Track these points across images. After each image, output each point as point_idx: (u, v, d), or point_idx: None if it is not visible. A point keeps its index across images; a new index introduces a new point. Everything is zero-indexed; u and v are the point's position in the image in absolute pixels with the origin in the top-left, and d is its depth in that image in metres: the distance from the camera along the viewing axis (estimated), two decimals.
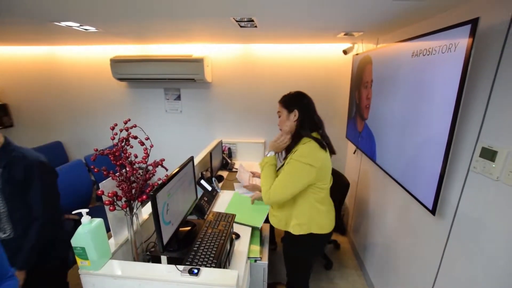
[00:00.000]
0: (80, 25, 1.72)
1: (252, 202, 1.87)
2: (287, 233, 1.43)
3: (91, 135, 3.15)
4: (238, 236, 1.50)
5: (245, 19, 1.55)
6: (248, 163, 2.81)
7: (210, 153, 2.15)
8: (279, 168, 1.43)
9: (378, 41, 2.13)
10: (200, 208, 1.68)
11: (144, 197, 1.02)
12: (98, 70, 2.89)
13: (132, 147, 1.04)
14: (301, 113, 1.33)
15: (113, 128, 0.99)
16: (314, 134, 1.32)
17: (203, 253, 1.09)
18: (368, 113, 2.01)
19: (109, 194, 0.94)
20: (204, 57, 2.53)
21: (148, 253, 1.17)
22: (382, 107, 1.78)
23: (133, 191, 1.02)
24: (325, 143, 1.32)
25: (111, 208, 0.96)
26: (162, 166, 1.11)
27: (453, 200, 1.15)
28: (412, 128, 1.39)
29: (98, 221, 0.95)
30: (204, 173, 2.22)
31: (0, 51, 3.01)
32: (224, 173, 2.53)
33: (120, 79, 2.71)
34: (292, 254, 1.53)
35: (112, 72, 2.64)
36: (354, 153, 2.59)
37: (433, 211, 1.21)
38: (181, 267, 0.95)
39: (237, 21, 1.58)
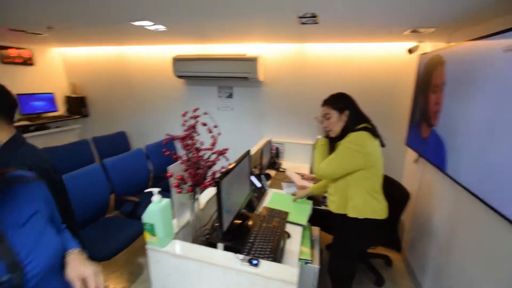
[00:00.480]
0: (153, 24, 1.88)
1: (294, 200, 1.81)
2: (342, 219, 1.47)
3: (150, 127, 3.44)
4: (289, 235, 1.47)
5: (308, 15, 1.52)
6: (295, 164, 2.76)
7: (262, 150, 2.15)
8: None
9: (450, 39, 1.90)
10: (250, 202, 1.68)
11: (207, 183, 1.05)
12: (160, 68, 3.15)
13: (199, 134, 1.09)
14: (351, 111, 1.40)
15: (184, 115, 1.04)
16: (364, 125, 1.39)
17: (259, 246, 1.08)
18: (437, 119, 1.80)
19: (178, 177, 0.99)
20: (258, 56, 2.57)
21: (205, 239, 1.21)
22: (458, 112, 1.55)
23: (198, 177, 1.05)
24: (378, 133, 1.41)
25: (178, 190, 1.01)
26: (224, 156, 1.13)
27: None
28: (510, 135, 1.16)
29: (167, 201, 1.00)
30: (254, 169, 2.24)
31: (82, 51, 3.48)
32: (272, 172, 2.51)
33: (180, 77, 2.90)
34: (344, 241, 1.55)
35: (174, 69, 2.84)
36: (415, 161, 2.35)
37: None
38: (240, 256, 0.95)
39: (299, 17, 1.56)
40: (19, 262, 0.60)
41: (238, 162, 1.19)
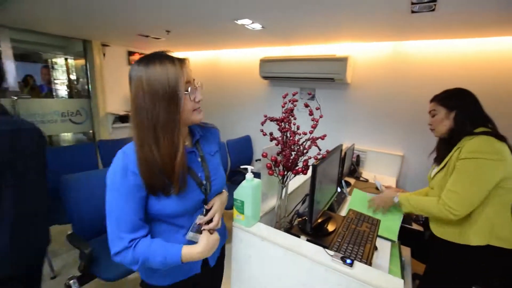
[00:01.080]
0: (252, 23, 2.00)
1: (370, 206, 1.47)
2: (445, 245, 1.21)
3: (234, 124, 3.65)
4: (376, 248, 1.28)
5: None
6: (378, 175, 2.46)
7: (345, 153, 2.00)
8: (438, 171, 1.28)
9: None
10: (331, 205, 1.56)
11: (300, 169, 1.00)
12: (248, 69, 3.34)
13: (295, 118, 1.06)
14: (464, 110, 1.20)
15: (284, 97, 1.04)
16: (482, 129, 1.15)
17: (349, 247, 0.97)
18: None
19: (272, 158, 0.98)
20: (348, 56, 2.43)
21: (285, 230, 1.16)
22: None
23: (291, 161, 1.02)
24: (502, 135, 1.13)
25: (270, 172, 0.99)
26: (317, 146, 1.07)
27: None
28: None
29: (258, 181, 1.00)
30: None
31: (184, 55, 4.02)
32: (351, 180, 2.31)
33: (265, 77, 3.01)
34: (448, 278, 1.25)
35: (260, 71, 2.97)
36: None
37: None
38: (331, 252, 0.87)
39: (413, 3, 1.38)
40: (210, 177, 0.87)
41: (332, 152, 1.11)
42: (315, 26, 2.02)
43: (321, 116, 0.95)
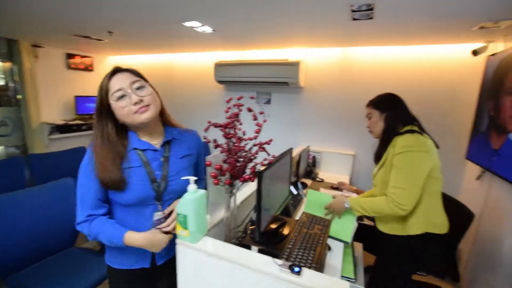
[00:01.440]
0: (201, 25, 1.93)
1: (327, 214, 1.47)
2: (391, 237, 1.32)
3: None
4: (329, 248, 1.30)
5: (364, 7, 1.41)
6: (332, 175, 2.56)
7: (299, 157, 2.03)
8: (378, 169, 1.38)
9: None
10: (286, 208, 1.55)
11: (247, 176, 0.96)
12: (203, 74, 3.25)
13: (241, 123, 1.02)
14: (393, 111, 1.32)
15: (228, 101, 0.99)
16: (409, 127, 1.27)
17: (300, 253, 0.95)
18: None
19: (216, 167, 0.92)
20: (300, 60, 2.50)
21: (238, 241, 1.11)
22: None
23: (237, 169, 0.97)
24: (426, 132, 1.28)
25: (215, 181, 0.93)
26: (266, 151, 1.04)
27: None
28: None
29: (203, 192, 0.93)
30: None
31: (134, 59, 3.76)
32: (308, 181, 2.36)
33: (220, 82, 2.95)
34: (392, 263, 1.35)
35: (215, 75, 2.90)
36: (478, 178, 2.01)
37: None
38: (279, 261, 0.83)
39: (353, 10, 1.46)
40: (167, 177, 0.94)
41: (281, 157, 1.09)
42: (266, 31, 2.03)
43: (264, 121, 0.93)
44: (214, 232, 1.09)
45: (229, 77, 2.82)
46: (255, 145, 0.99)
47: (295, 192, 1.83)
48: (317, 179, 2.44)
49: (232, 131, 0.98)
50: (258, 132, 0.96)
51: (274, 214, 1.11)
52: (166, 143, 0.96)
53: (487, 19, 1.52)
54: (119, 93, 0.84)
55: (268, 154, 1.06)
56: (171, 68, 3.48)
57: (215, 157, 1.02)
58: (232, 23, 1.87)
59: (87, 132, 3.44)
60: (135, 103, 0.84)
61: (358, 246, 1.65)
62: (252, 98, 0.98)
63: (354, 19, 1.59)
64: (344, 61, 2.54)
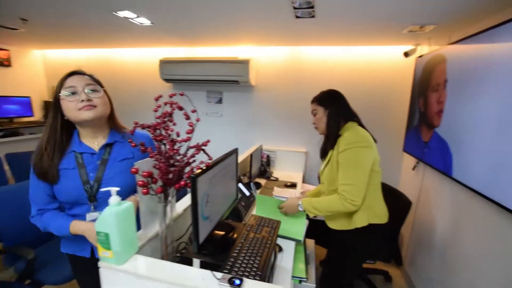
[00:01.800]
0: (137, 17, 1.74)
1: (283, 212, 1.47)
2: (338, 235, 1.35)
3: None
4: (280, 249, 1.26)
5: (304, 5, 1.40)
6: (287, 173, 2.58)
7: (251, 156, 1.97)
8: (325, 166, 1.38)
9: (451, 39, 1.83)
10: (237, 211, 1.48)
11: (183, 183, 0.85)
12: (147, 72, 2.99)
13: (175, 124, 0.91)
14: (336, 108, 1.34)
15: (157, 99, 0.87)
16: (350, 123, 1.32)
17: (245, 261, 0.88)
18: (440, 119, 1.69)
19: (144, 174, 0.80)
20: (250, 58, 2.45)
21: (179, 254, 1.00)
22: (468, 110, 1.42)
23: (171, 175, 0.86)
24: (365, 128, 1.33)
25: (144, 190, 0.81)
26: (206, 154, 0.95)
27: None
28: None
29: (128, 204, 0.80)
30: (242, 177, 2.05)
31: (66, 54, 3.30)
32: (262, 181, 2.32)
33: (167, 80, 2.74)
34: (342, 255, 1.38)
35: (160, 73, 2.68)
36: (413, 169, 2.21)
37: None
38: (219, 275, 0.75)
39: (295, 8, 1.45)
40: (101, 179, 0.98)
41: (222, 159, 1.00)
42: (210, 27, 1.93)
43: (197, 120, 0.83)
44: (150, 247, 0.96)
45: (176, 75, 2.64)
46: (191, 147, 0.89)
47: (247, 193, 1.77)
48: (272, 178, 2.42)
49: (163, 133, 0.86)
50: (190, 132, 0.86)
51: (219, 220, 1.03)
52: (107, 146, 1.01)
53: (414, 23, 1.65)
54: (70, 89, 0.92)
55: (209, 157, 0.97)
56: (111, 65, 3.14)
57: (146, 162, 0.89)
58: (170, 16, 1.72)
59: (7, 139, 2.90)
60: (82, 101, 0.91)
61: (311, 243, 1.65)
62: (181, 95, 0.87)
63: (297, 17, 1.59)
64: (292, 60, 2.57)
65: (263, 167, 2.49)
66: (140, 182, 0.80)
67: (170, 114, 0.89)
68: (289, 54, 2.57)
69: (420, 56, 2.09)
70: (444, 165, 1.60)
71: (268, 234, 1.07)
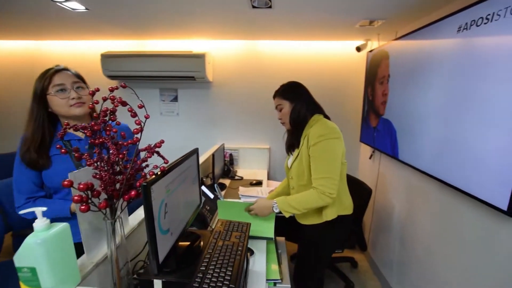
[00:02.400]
0: (66, 0, 1.47)
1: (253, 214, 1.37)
2: (309, 230, 1.33)
3: None
4: (252, 252, 1.18)
5: None
6: (251, 171, 2.52)
7: (213, 155, 1.85)
8: (294, 160, 1.32)
9: (397, 34, 1.95)
10: (202, 217, 1.36)
11: (133, 193, 0.71)
12: (87, 68, 2.61)
13: (118, 124, 0.75)
14: (301, 101, 1.29)
15: (93, 94, 0.71)
16: (316, 116, 1.29)
17: (215, 274, 0.78)
18: (384, 109, 1.82)
19: (81, 186, 0.64)
20: (206, 52, 2.31)
21: (136, 276, 0.85)
22: (408, 101, 1.57)
23: (118, 185, 0.71)
24: (329, 117, 1.32)
25: (82, 207, 0.65)
26: (162, 157, 0.81)
27: None
28: (468, 115, 1.14)
29: (62, 226, 0.63)
30: (205, 179, 1.91)
31: None
32: (226, 181, 2.22)
33: (112, 77, 2.44)
34: (315, 248, 1.35)
35: (103, 68, 2.37)
36: (370, 158, 2.34)
37: (509, 212, 0.94)
38: None
39: None
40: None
41: (181, 161, 0.88)
42: (157, 16, 1.74)
43: (146, 117, 0.70)
44: (98, 274, 0.80)
45: (123, 71, 2.36)
46: (142, 150, 0.75)
47: (211, 196, 1.65)
48: (236, 177, 2.34)
49: (104, 135, 0.71)
50: (137, 132, 0.72)
51: (182, 231, 0.90)
52: None
53: (365, 17, 1.71)
54: (60, 87, 0.97)
55: (164, 160, 0.83)
56: (42, 59, 2.68)
57: (84, 172, 0.73)
58: (108, 2, 1.50)
59: None
60: (73, 98, 0.98)
61: (281, 240, 1.62)
62: (123, 87, 0.72)
63: (254, 6, 1.52)
64: (250, 54, 2.51)
65: (226, 166, 2.39)
66: (76, 198, 0.64)
67: (113, 112, 0.74)
68: (246, 48, 2.50)
69: (371, 51, 2.21)
70: (392, 148, 1.71)
71: (238, 239, 0.99)
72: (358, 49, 2.24)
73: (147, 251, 0.93)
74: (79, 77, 1.04)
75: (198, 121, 2.70)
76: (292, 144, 1.36)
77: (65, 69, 1.01)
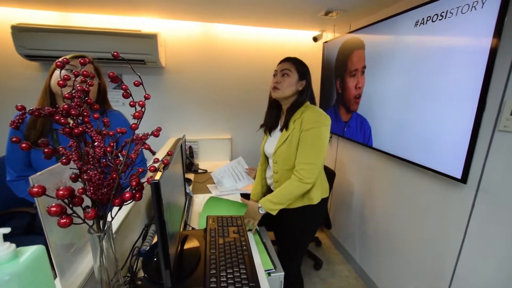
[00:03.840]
0: None
1: (251, 228, 1.27)
2: (295, 214, 1.30)
3: None
4: None
5: None
6: (213, 163, 2.40)
7: (181, 147, 1.66)
8: (282, 143, 1.25)
9: (351, 27, 2.09)
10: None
11: (128, 194, 0.56)
12: None
13: (97, 108, 0.58)
14: (310, 84, 1.27)
15: (60, 65, 0.52)
16: (307, 103, 1.28)
17: (229, 275, 0.70)
18: (358, 105, 1.87)
19: (60, 193, 0.46)
20: (158, 33, 2.04)
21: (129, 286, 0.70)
22: (378, 92, 1.66)
23: (105, 189, 0.55)
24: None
25: (63, 221, 0.47)
26: (149, 149, 0.66)
27: (477, 166, 1.09)
28: (428, 98, 1.30)
29: (35, 252, 0.45)
30: None
31: None
32: (191, 176, 2.06)
33: (30, 57, 1.92)
34: (299, 234, 1.36)
35: (16, 45, 1.84)
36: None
37: (463, 179, 1.13)
38: None
39: None
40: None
41: (174, 150, 0.74)
42: None
43: (147, 97, 0.55)
44: None
45: (48, 51, 1.89)
46: (128, 141, 0.60)
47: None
48: (200, 171, 2.19)
49: (80, 122, 0.53)
50: (138, 116, 0.57)
51: (179, 234, 0.78)
52: None
53: (323, 8, 1.77)
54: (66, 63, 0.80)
55: (154, 153, 0.69)
56: None
57: (53, 174, 0.54)
58: None
59: None
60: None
61: (262, 230, 1.59)
62: (84, 62, 0.56)
63: None
64: (208, 38, 2.33)
65: (188, 160, 2.21)
66: (52, 209, 0.46)
67: (86, 93, 0.56)
68: (202, 30, 2.31)
69: (326, 42, 2.32)
70: (365, 138, 1.82)
71: (237, 234, 0.91)
72: (315, 39, 2.33)
73: (131, 265, 0.77)
74: (96, 69, 1.16)
75: (149, 112, 2.39)
76: (273, 125, 1.32)
77: (84, 57, 1.02)
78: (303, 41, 2.46)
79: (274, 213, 1.19)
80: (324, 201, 1.35)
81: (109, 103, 1.25)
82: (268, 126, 1.37)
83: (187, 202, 1.02)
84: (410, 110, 1.40)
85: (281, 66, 1.24)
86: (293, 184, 1.18)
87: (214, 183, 1.89)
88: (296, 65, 1.22)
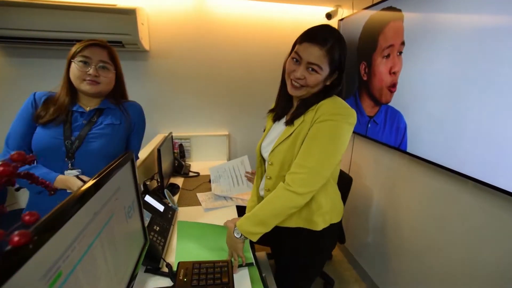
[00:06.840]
0: None
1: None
2: (299, 233, 0.96)
3: None
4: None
5: None
6: (207, 163, 2.06)
7: (159, 151, 1.33)
8: (283, 140, 0.90)
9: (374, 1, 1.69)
10: (151, 252, 0.88)
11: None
12: None
13: None
14: (341, 77, 0.88)
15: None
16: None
17: None
18: (392, 95, 1.46)
19: None
20: (137, 7, 1.67)
21: None
22: (421, 79, 1.25)
23: None
24: None
25: None
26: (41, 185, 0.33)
27: None
28: (495, 91, 0.92)
29: None
30: (149, 183, 1.40)
31: None
32: (179, 181, 1.74)
33: None
34: (307, 260, 1.03)
35: None
36: None
37: None
38: None
39: None
40: (83, 138, 0.99)
41: (99, 182, 0.41)
42: None
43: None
44: None
45: (4, 30, 1.56)
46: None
47: (161, 208, 1.18)
48: (191, 173, 1.87)
49: None
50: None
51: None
52: (98, 111, 1.03)
53: None
54: (84, 59, 0.95)
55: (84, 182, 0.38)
56: None
57: None
58: None
59: None
60: (89, 74, 0.95)
61: (261, 257, 1.28)
62: None
63: None
64: (201, 15, 1.95)
65: (176, 161, 1.88)
66: None
67: None
68: (195, 6, 1.93)
69: (342, 19, 1.93)
70: (396, 138, 1.44)
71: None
72: (329, 16, 1.95)
73: None
74: (112, 58, 1.02)
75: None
76: (281, 114, 0.98)
77: (101, 44, 0.99)
78: (314, 19, 2.07)
79: (254, 238, 0.85)
80: (334, 227, 1.01)
81: (126, 95, 1.15)
82: (278, 115, 1.01)
83: (147, 242, 0.69)
84: (467, 105, 1.03)
85: (308, 53, 0.82)
86: (277, 192, 0.84)
87: (210, 183, 1.61)
88: (330, 55, 0.81)
